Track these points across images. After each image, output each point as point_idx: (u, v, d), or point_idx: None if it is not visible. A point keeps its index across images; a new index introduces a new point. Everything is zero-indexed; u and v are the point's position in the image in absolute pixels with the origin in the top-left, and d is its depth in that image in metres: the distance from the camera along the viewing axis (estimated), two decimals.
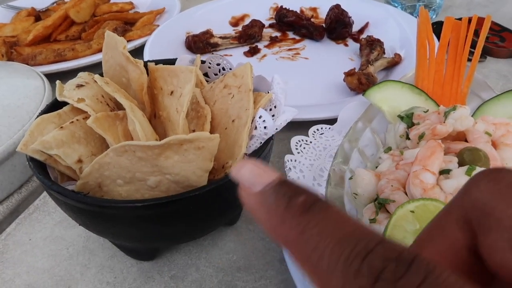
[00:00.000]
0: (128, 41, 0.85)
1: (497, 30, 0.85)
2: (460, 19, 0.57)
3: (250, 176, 0.19)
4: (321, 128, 0.58)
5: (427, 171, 0.41)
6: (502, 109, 0.50)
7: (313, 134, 0.57)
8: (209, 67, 0.53)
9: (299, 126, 0.59)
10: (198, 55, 0.53)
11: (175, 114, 0.41)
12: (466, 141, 0.47)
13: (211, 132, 0.43)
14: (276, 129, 0.41)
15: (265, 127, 0.40)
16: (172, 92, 0.43)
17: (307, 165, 0.53)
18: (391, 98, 0.55)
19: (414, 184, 0.41)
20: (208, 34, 0.83)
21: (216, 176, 0.40)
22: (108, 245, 0.49)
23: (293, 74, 0.77)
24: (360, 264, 0.15)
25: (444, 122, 0.47)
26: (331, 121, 0.60)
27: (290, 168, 0.52)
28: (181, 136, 0.35)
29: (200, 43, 0.81)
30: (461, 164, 0.42)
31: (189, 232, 0.42)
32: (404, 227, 0.36)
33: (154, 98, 0.46)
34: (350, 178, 0.47)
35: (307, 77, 0.75)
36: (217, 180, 0.37)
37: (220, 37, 0.85)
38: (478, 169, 0.40)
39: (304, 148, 0.55)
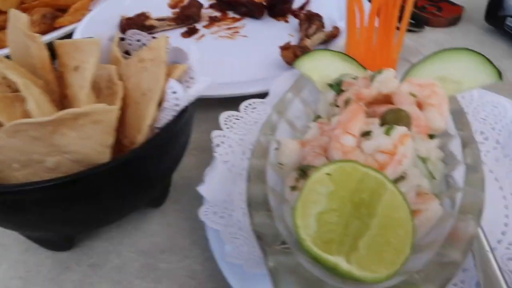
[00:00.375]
0: (58, 27, 0.81)
1: (435, 0, 0.85)
2: None
3: None
4: (253, 103, 0.56)
5: (347, 134, 0.40)
6: (429, 71, 0.49)
7: (245, 109, 0.55)
8: (130, 44, 0.50)
9: (234, 103, 0.57)
10: (117, 31, 0.50)
11: (79, 91, 0.39)
12: (393, 104, 0.46)
13: (123, 108, 0.41)
14: (189, 100, 0.39)
15: (176, 98, 0.38)
16: (76, 68, 0.40)
17: (236, 140, 0.51)
18: (321, 67, 0.53)
19: (334, 148, 0.40)
20: (143, 16, 0.80)
21: None
22: (22, 239, 0.45)
23: (231, 52, 0.75)
24: None
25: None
26: (266, 96, 0.58)
27: (218, 144, 0.50)
28: (74, 109, 0.32)
29: (134, 26, 0.78)
30: (384, 125, 0.41)
31: (101, 215, 0.39)
32: (319, 190, 0.34)
33: (62, 77, 0.43)
34: (276, 149, 0.45)
35: (245, 54, 0.73)
36: (120, 156, 0.35)
37: (157, 19, 0.82)
38: (397, 128, 0.39)
39: (234, 123, 0.53)
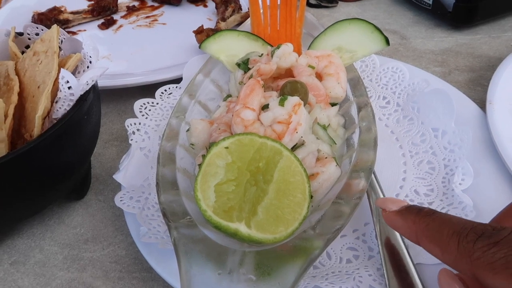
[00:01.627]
0: None
1: None
2: None
3: (390, 203, 0.32)
4: (169, 89, 0.57)
5: (247, 109, 0.42)
6: (327, 42, 0.52)
7: (160, 95, 0.56)
8: (29, 39, 0.50)
9: (152, 91, 0.58)
10: (13, 26, 0.49)
11: None
12: (294, 77, 0.48)
13: (22, 103, 0.41)
14: (84, 88, 0.39)
15: (69, 87, 0.38)
16: None
17: (152, 126, 0.52)
18: (228, 47, 0.55)
19: (236, 122, 0.41)
20: (56, 10, 0.78)
21: None
22: None
23: (149, 41, 0.74)
24: (468, 233, 0.25)
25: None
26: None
27: (133, 132, 0.50)
28: None
29: (48, 21, 0.76)
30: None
31: (10, 210, 0.39)
32: (217, 163, 0.36)
33: None
34: (187, 130, 0.47)
35: (163, 42, 0.73)
36: (14, 150, 0.35)
37: (71, 13, 0.80)
38: (290, 98, 0.41)
39: (149, 110, 0.54)
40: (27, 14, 0.80)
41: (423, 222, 0.29)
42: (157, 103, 0.55)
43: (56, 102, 0.38)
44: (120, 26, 0.79)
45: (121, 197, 0.44)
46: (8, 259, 0.44)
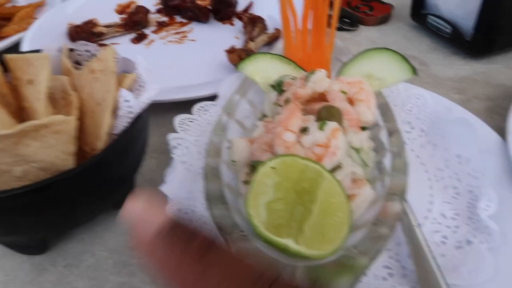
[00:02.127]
0: (4, 37, 0.81)
1: (367, 0, 0.92)
2: None
3: (140, 218, 0.19)
4: (205, 105, 0.60)
5: (287, 131, 0.45)
6: (357, 69, 0.55)
7: (197, 111, 0.59)
8: (79, 55, 0.53)
9: (187, 106, 0.61)
10: (65, 43, 0.52)
11: (36, 103, 0.41)
12: (327, 101, 0.51)
13: (81, 117, 0.44)
14: (141, 106, 0.42)
15: (129, 106, 0.41)
16: (30, 81, 0.42)
17: (192, 141, 0.55)
18: (262, 69, 0.58)
19: (277, 144, 0.44)
20: (91, 23, 0.81)
21: None
22: None
23: (180, 56, 0.78)
24: None
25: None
26: (216, 98, 0.62)
27: (175, 146, 0.53)
28: (35, 121, 0.35)
29: (83, 33, 0.79)
30: (320, 121, 0.46)
31: (70, 218, 0.42)
32: (266, 182, 0.39)
33: (17, 90, 0.45)
34: (228, 148, 0.50)
35: (194, 58, 0.77)
36: (83, 162, 0.37)
37: (105, 26, 0.83)
38: (329, 123, 0.44)
39: (188, 125, 0.57)
40: (62, 25, 0.83)
41: (195, 268, 0.19)
42: (195, 119, 0.58)
43: (116, 118, 0.41)
44: (152, 41, 0.83)
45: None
46: (62, 261, 0.47)
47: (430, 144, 0.56)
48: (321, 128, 0.44)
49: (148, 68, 0.46)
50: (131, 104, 0.41)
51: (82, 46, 0.52)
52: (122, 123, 0.41)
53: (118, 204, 0.52)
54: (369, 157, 0.49)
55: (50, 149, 0.36)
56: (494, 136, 0.55)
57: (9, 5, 0.93)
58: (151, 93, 0.42)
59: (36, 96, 0.41)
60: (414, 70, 0.52)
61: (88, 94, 0.44)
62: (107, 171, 0.39)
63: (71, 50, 0.52)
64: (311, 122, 0.46)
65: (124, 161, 0.42)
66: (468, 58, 0.76)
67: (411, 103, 0.61)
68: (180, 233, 0.19)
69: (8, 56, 0.44)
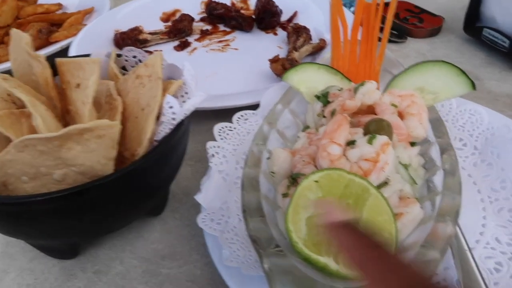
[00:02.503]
0: (54, 42, 0.83)
1: (416, 12, 0.89)
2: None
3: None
4: (245, 114, 0.59)
5: (333, 143, 0.43)
6: (409, 82, 0.52)
7: (237, 120, 0.58)
8: (126, 60, 0.53)
9: (226, 115, 0.60)
10: (113, 49, 0.52)
11: (82, 107, 0.41)
12: (376, 114, 0.49)
13: (123, 122, 0.43)
14: (185, 113, 0.41)
15: (173, 113, 0.40)
16: (78, 85, 0.42)
17: (230, 150, 0.54)
18: (308, 79, 0.56)
19: (322, 156, 0.42)
20: (136, 30, 0.83)
21: None
22: (29, 248, 0.48)
23: (222, 65, 0.77)
24: None
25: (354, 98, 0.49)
26: (257, 107, 0.61)
27: (213, 155, 0.52)
28: (80, 125, 0.35)
29: (128, 40, 0.80)
30: (367, 134, 0.44)
31: (105, 224, 0.42)
32: (308, 196, 0.37)
33: (64, 93, 0.45)
34: (268, 158, 0.48)
35: (236, 67, 0.76)
36: (123, 168, 0.37)
37: (150, 33, 0.84)
38: (379, 137, 0.42)
39: (227, 134, 0.56)
40: (109, 32, 0.85)
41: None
42: (234, 128, 0.57)
43: (159, 125, 0.41)
44: (195, 48, 0.83)
45: (202, 218, 0.46)
46: (92, 267, 0.46)
47: (484, 163, 0.52)
48: (370, 142, 0.41)
49: (195, 75, 0.45)
50: (175, 110, 0.40)
51: (129, 52, 0.52)
52: (165, 129, 0.41)
53: (151, 211, 0.52)
54: (418, 174, 0.46)
55: (91, 153, 0.36)
56: None
57: (59, 12, 0.97)
58: (196, 101, 0.41)
59: (83, 100, 0.41)
60: (473, 84, 0.49)
61: (132, 99, 0.44)
62: (145, 178, 0.39)
63: (119, 55, 0.53)
64: (358, 135, 0.44)
65: (163, 168, 0.41)
66: None
67: (464, 119, 0.57)
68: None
69: (59, 60, 0.44)
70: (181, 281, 0.45)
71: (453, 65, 0.50)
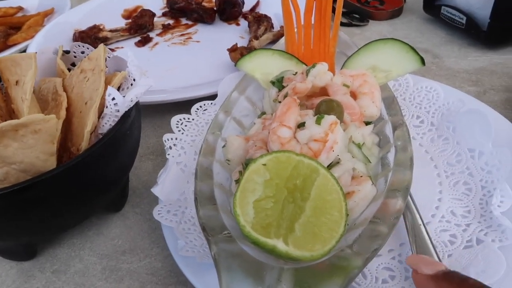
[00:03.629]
0: (13, 45, 0.82)
1: None
2: None
3: (423, 264, 0.29)
4: (204, 105, 0.58)
5: (283, 126, 0.42)
6: (361, 61, 0.52)
7: (196, 111, 0.58)
8: (75, 57, 0.52)
9: (188, 107, 0.59)
10: (60, 45, 0.51)
11: (21, 104, 0.40)
12: (329, 96, 0.49)
13: (69, 117, 0.43)
14: (129, 105, 0.41)
15: (115, 104, 0.40)
16: (17, 82, 0.41)
17: (188, 141, 0.53)
18: (263, 65, 0.56)
19: (272, 140, 0.42)
20: (95, 28, 0.82)
21: None
22: None
23: (183, 58, 0.77)
24: None
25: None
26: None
27: (170, 147, 0.52)
28: (12, 121, 0.34)
29: (88, 39, 0.79)
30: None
31: (56, 221, 0.41)
32: (255, 179, 0.37)
33: (6, 92, 0.44)
34: (223, 146, 0.48)
35: (197, 59, 0.76)
36: (64, 163, 0.36)
37: (110, 31, 0.83)
38: (326, 117, 0.41)
39: (185, 126, 0.55)
40: (69, 32, 0.84)
41: None
42: (193, 119, 0.56)
43: (102, 118, 0.40)
44: (156, 43, 0.82)
45: (159, 211, 0.45)
46: (50, 267, 0.46)
47: (441, 138, 0.52)
48: (318, 122, 0.41)
49: (140, 65, 0.45)
50: (118, 102, 0.39)
51: (78, 48, 0.51)
52: (109, 122, 0.40)
53: (111, 207, 0.51)
54: (372, 152, 0.46)
55: (29, 149, 0.35)
56: (510, 128, 0.52)
57: (19, 14, 0.95)
58: (139, 90, 0.41)
59: (22, 96, 0.40)
60: (422, 60, 0.49)
61: (77, 94, 0.43)
62: (91, 172, 0.38)
63: (67, 52, 0.52)
64: (308, 116, 0.43)
65: (111, 162, 0.41)
66: (484, 48, 0.72)
67: (420, 96, 0.57)
68: (454, 276, 0.27)
69: None
70: (141, 275, 0.45)
71: (401, 41, 0.50)
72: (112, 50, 0.81)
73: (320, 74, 0.48)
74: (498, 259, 0.35)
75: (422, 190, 0.47)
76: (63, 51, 0.51)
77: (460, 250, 0.40)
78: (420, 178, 0.48)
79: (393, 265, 0.40)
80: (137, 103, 0.44)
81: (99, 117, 0.40)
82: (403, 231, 0.42)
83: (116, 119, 0.40)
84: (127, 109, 0.40)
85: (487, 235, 0.40)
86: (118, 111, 0.40)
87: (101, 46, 0.45)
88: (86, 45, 0.51)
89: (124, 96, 0.40)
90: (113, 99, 0.39)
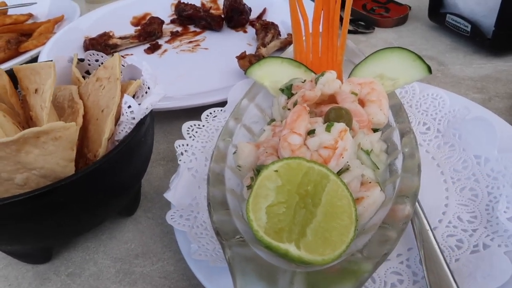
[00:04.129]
0: (24, 52, 0.83)
1: (383, 2, 0.90)
2: None
3: None
4: (214, 112, 0.60)
5: (294, 134, 0.44)
6: (369, 70, 0.53)
7: (206, 118, 0.59)
8: (89, 65, 0.53)
9: (198, 114, 0.60)
10: (75, 53, 0.53)
11: (40, 111, 0.41)
12: (337, 103, 0.50)
13: (86, 125, 0.44)
14: (145, 112, 0.42)
15: (131, 112, 0.41)
16: (36, 90, 0.43)
17: (199, 147, 0.55)
18: (272, 73, 0.57)
19: (283, 147, 0.43)
20: (106, 36, 0.83)
21: None
22: (2, 256, 0.48)
23: (192, 65, 0.78)
24: None
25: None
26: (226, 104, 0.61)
27: (181, 153, 0.53)
28: (35, 128, 0.35)
29: (98, 46, 0.81)
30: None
31: (73, 225, 0.42)
32: (268, 185, 0.38)
33: (25, 100, 0.46)
34: (234, 153, 0.49)
35: (205, 66, 0.77)
36: (83, 169, 0.37)
37: (120, 38, 0.85)
38: (336, 125, 0.43)
39: (196, 132, 0.56)
40: (79, 39, 0.85)
41: None
42: (203, 126, 0.58)
43: (119, 125, 0.41)
44: (165, 50, 0.83)
45: (171, 215, 0.46)
46: (65, 270, 0.47)
47: (447, 145, 0.54)
48: (328, 129, 0.42)
49: (154, 74, 0.46)
50: (134, 110, 0.41)
51: (92, 56, 0.53)
52: (125, 129, 0.41)
53: (124, 211, 0.53)
54: (380, 159, 0.47)
55: (50, 156, 0.36)
56: None
57: (30, 21, 0.97)
58: (154, 99, 0.42)
59: (41, 104, 0.41)
60: (429, 69, 0.50)
61: (93, 101, 0.45)
62: (108, 178, 0.39)
63: (81, 60, 0.53)
64: (318, 124, 0.45)
65: (127, 168, 0.42)
66: (489, 56, 0.73)
67: (427, 103, 0.58)
68: None
69: (16, 67, 0.45)
70: (154, 278, 0.46)
71: (408, 50, 0.51)
72: (122, 57, 0.82)
73: (329, 82, 0.49)
74: (505, 263, 0.36)
75: (429, 196, 0.48)
76: (78, 59, 0.52)
77: (467, 255, 0.41)
78: (427, 184, 0.49)
79: (402, 270, 0.41)
80: (151, 111, 0.45)
81: (115, 125, 0.41)
82: (411, 236, 0.43)
83: (132, 126, 0.41)
84: (142, 117, 0.41)
85: (493, 240, 0.41)
86: (134, 118, 0.41)
87: (116, 55, 0.46)
88: (100, 54, 0.52)
89: (139, 104, 0.41)
90: (129, 107, 0.41)
